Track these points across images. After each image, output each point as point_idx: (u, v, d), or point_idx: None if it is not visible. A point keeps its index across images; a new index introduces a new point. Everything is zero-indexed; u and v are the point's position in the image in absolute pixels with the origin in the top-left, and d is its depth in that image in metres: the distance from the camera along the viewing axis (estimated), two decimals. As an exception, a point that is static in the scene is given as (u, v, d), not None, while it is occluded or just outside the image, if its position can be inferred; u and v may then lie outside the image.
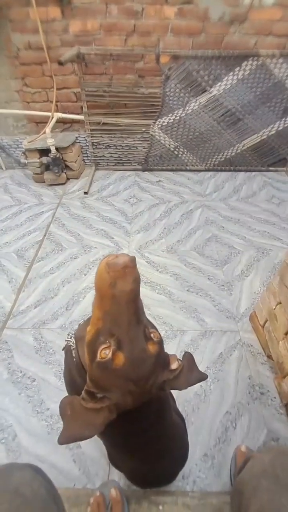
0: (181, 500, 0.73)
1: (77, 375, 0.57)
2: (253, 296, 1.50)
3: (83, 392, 0.47)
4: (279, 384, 1.13)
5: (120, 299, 0.40)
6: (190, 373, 0.52)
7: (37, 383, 1.17)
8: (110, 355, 0.41)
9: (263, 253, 1.72)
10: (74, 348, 0.59)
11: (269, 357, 1.24)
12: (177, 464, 0.76)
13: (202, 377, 0.53)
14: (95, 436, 0.96)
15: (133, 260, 0.40)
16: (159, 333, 0.47)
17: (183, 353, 0.56)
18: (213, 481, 0.94)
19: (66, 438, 0.44)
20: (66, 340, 0.65)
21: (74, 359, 0.57)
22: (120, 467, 0.76)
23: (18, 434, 1.04)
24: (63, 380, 1.16)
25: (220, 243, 1.80)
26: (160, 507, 0.70)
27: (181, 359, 0.54)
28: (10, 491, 0.40)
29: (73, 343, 0.60)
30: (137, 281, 0.42)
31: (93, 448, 1.00)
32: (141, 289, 0.45)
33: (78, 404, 0.46)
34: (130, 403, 0.46)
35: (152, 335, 0.45)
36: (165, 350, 0.52)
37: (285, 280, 1.08)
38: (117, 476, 0.94)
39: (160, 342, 0.46)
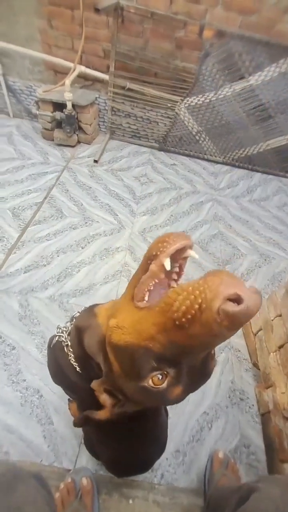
0: (152, 496, 0.72)
1: (71, 375, 0.51)
2: (249, 301, 1.48)
3: (105, 397, 0.42)
4: (260, 393, 1.13)
5: (214, 344, 0.31)
6: None
7: (17, 351, 1.11)
8: (165, 385, 0.33)
9: (265, 260, 1.69)
10: (67, 345, 0.51)
11: (255, 365, 1.23)
12: (156, 454, 0.75)
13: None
14: (69, 415, 0.92)
15: (261, 298, 0.28)
16: None
17: None
18: (181, 477, 0.94)
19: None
20: (56, 335, 0.55)
21: (69, 357, 0.50)
22: (99, 455, 0.73)
23: (-10, 400, 0.99)
24: (44, 354, 1.11)
25: (225, 242, 1.75)
26: (131, 501, 0.69)
27: None
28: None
29: (65, 338, 0.52)
30: None
31: (65, 427, 0.97)
32: None
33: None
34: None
35: None
36: None
37: (291, 294, 1.05)
38: (85, 458, 0.92)
39: (215, 352, 0.40)
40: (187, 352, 0.31)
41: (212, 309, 0.26)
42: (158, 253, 0.32)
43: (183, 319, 0.28)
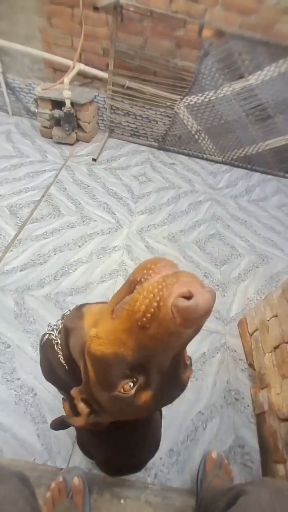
0: (144, 496, 0.71)
1: (62, 374, 0.50)
2: (246, 302, 1.47)
3: (80, 403, 0.42)
4: (255, 394, 1.13)
5: (176, 345, 0.31)
6: None
7: (12, 350, 1.11)
8: (133, 391, 0.33)
9: (263, 260, 1.69)
10: (57, 343, 0.51)
11: (250, 365, 1.23)
12: (149, 454, 0.75)
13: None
14: (63, 414, 0.92)
15: (214, 298, 0.29)
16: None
17: None
18: (175, 476, 0.94)
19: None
20: (47, 332, 0.56)
21: (59, 355, 0.50)
22: (92, 455, 0.73)
23: (-16, 399, 0.99)
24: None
25: (222, 242, 1.74)
26: (122, 501, 0.69)
27: None
28: None
29: (55, 336, 0.52)
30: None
31: (60, 426, 0.97)
32: None
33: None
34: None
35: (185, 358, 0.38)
36: None
37: (287, 295, 1.05)
38: (79, 457, 0.91)
39: (191, 363, 0.40)
40: (152, 354, 0.31)
41: (167, 306, 0.27)
42: (142, 280, 0.32)
43: (144, 319, 0.28)
